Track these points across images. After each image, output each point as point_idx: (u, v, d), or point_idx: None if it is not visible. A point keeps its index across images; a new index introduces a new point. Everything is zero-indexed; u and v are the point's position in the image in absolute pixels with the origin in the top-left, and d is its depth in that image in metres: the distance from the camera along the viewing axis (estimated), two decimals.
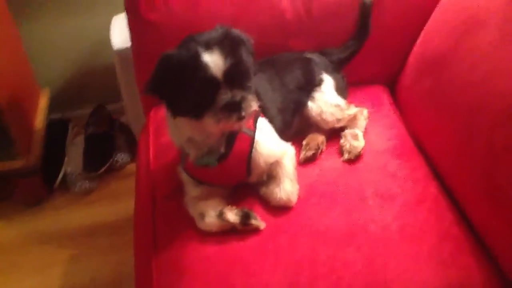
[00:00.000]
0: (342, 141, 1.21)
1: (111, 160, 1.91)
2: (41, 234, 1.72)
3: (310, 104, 1.23)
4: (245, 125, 1.01)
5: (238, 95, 0.92)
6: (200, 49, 0.90)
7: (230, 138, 1.02)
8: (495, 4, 1.05)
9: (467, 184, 1.04)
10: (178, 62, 0.91)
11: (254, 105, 0.95)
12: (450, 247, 0.97)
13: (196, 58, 0.89)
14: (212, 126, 0.94)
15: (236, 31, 0.98)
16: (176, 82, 0.91)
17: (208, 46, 0.90)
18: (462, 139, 1.06)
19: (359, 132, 1.22)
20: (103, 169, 1.88)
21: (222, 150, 1.02)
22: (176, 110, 0.96)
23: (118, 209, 1.75)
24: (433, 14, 1.30)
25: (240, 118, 0.93)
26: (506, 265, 0.93)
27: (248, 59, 0.96)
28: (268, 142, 1.07)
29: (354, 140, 1.19)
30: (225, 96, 0.91)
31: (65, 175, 1.90)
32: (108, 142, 1.96)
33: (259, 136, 1.05)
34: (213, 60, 0.90)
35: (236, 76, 0.92)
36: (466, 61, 1.09)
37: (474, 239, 1.00)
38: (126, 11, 1.34)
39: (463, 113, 1.06)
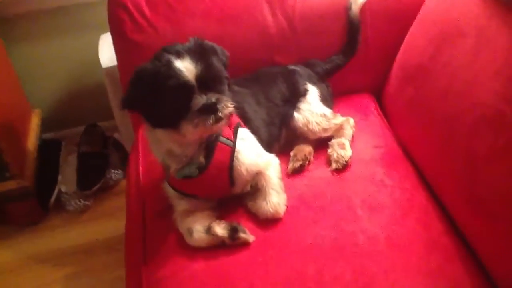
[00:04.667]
0: (329, 150, 1.22)
1: (104, 177, 1.92)
2: (38, 254, 1.72)
3: (296, 115, 1.24)
4: (223, 128, 1.02)
5: (212, 97, 0.94)
6: (171, 58, 0.93)
7: (209, 148, 1.03)
8: (473, 14, 1.06)
9: (451, 193, 1.04)
10: (151, 73, 0.93)
11: (230, 106, 0.97)
12: (439, 257, 0.96)
13: (169, 66, 0.92)
14: (190, 133, 0.95)
15: (209, 43, 1.01)
16: (152, 93, 0.93)
17: (179, 54, 0.93)
18: (442, 148, 1.07)
19: (346, 141, 1.22)
20: (96, 187, 1.87)
21: (202, 161, 1.03)
22: (155, 122, 0.98)
23: (113, 226, 1.75)
24: (413, 25, 1.31)
25: (218, 120, 0.94)
26: (496, 273, 0.92)
27: (219, 66, 0.98)
28: (250, 152, 1.08)
29: (341, 149, 1.20)
30: (200, 99, 0.93)
31: (59, 194, 1.90)
32: (101, 159, 1.96)
33: (240, 146, 1.07)
34: (185, 66, 0.92)
35: (208, 79, 0.94)
36: (445, 70, 1.10)
37: (464, 248, 0.99)
38: (111, 33, 1.36)
39: (442, 122, 1.07)
